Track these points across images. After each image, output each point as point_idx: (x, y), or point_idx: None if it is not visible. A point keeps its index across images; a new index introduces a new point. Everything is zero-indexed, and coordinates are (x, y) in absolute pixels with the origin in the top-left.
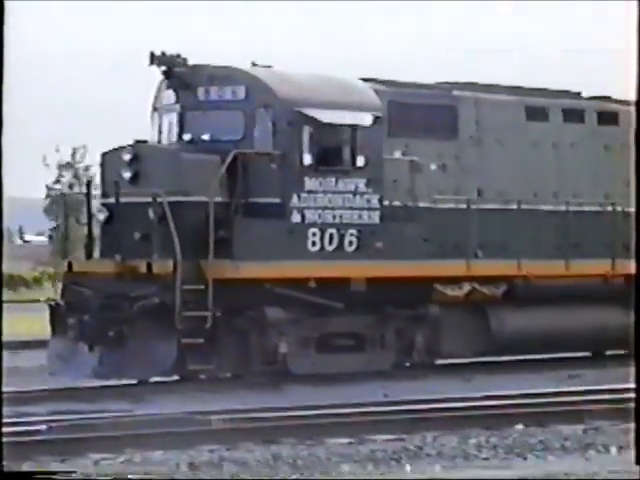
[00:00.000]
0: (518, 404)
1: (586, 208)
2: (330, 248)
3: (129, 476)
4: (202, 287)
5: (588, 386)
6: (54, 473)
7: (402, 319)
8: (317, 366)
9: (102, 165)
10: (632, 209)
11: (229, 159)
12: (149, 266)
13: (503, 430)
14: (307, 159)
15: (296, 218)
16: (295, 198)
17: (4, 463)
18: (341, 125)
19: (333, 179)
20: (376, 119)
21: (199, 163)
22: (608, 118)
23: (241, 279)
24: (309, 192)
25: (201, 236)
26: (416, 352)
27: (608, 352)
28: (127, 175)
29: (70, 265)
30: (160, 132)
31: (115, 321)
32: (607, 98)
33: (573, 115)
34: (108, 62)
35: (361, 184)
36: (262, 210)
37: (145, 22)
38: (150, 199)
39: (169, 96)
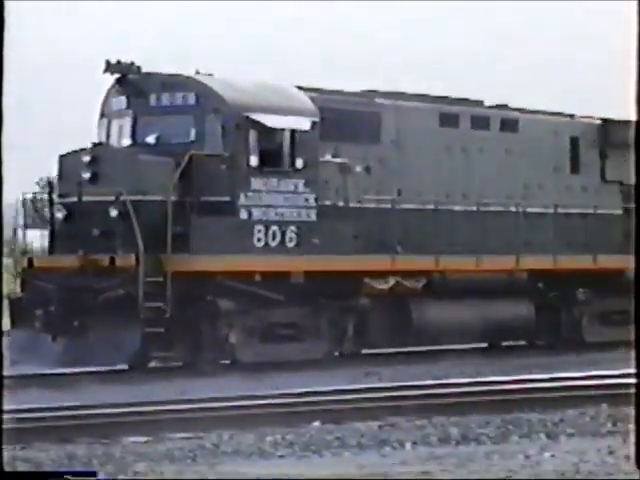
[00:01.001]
0: (314, 401)
1: (492, 208)
2: (273, 244)
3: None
4: (161, 279)
5: (384, 383)
6: (54, 473)
7: (335, 310)
8: (261, 355)
9: (60, 167)
10: (532, 209)
11: (185, 160)
12: (112, 260)
13: (300, 427)
14: (253, 161)
15: (244, 215)
16: (242, 197)
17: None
18: (283, 129)
19: (275, 179)
20: (313, 124)
21: (155, 164)
22: (509, 125)
23: (196, 272)
24: (255, 191)
25: (159, 232)
26: (346, 341)
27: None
28: (86, 176)
29: (30, 260)
30: (108, 136)
31: (80, 312)
32: (505, 106)
33: (480, 122)
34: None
35: (300, 184)
36: (214, 208)
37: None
38: (110, 198)
39: (120, 102)
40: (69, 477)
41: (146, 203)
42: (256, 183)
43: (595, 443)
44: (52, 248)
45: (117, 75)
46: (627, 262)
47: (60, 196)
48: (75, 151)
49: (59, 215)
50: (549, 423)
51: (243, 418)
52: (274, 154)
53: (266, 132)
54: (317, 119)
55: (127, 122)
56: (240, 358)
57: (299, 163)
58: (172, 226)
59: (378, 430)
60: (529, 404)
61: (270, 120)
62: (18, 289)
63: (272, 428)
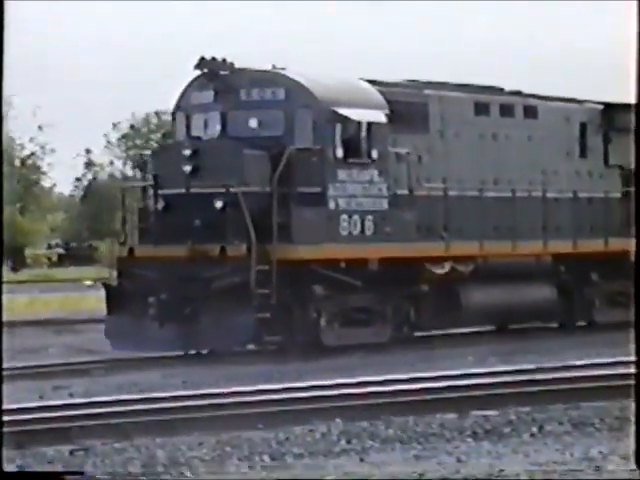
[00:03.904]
0: None
1: (520, 194)
2: (355, 232)
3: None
4: (267, 268)
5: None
6: (55, 473)
7: (401, 296)
8: (341, 339)
9: (157, 160)
10: (551, 194)
11: (286, 154)
12: (222, 249)
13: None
14: (339, 153)
15: (332, 205)
16: (331, 188)
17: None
18: (362, 122)
19: (356, 170)
20: (387, 116)
21: (256, 158)
22: (531, 112)
23: (296, 260)
24: (340, 182)
25: (262, 222)
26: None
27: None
28: (188, 168)
29: (131, 250)
30: (188, 129)
31: (191, 299)
32: (520, 93)
33: (506, 110)
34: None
35: (375, 174)
36: (308, 199)
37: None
38: (215, 190)
39: (206, 96)
40: (67, 477)
41: (250, 195)
42: (342, 174)
43: (327, 463)
44: (146, 239)
45: (200, 71)
46: (631, 245)
47: (158, 188)
48: (170, 145)
49: (158, 207)
50: (274, 442)
51: None
52: (353, 146)
53: (348, 125)
54: (388, 112)
55: (215, 116)
56: (325, 341)
57: (374, 154)
58: (276, 217)
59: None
60: (251, 421)
61: (355, 114)
62: (116, 278)
63: None
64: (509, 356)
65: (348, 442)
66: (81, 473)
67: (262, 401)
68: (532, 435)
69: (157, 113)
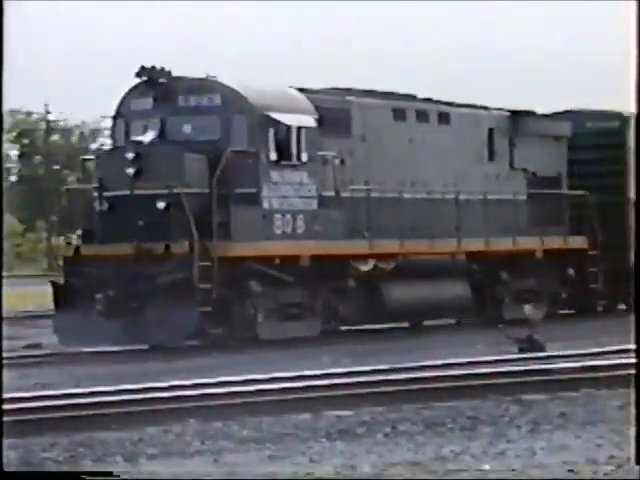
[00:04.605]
0: None
1: (436, 196)
2: (288, 230)
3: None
4: (209, 264)
5: None
6: (55, 473)
7: (329, 291)
8: (276, 333)
9: (100, 163)
10: (464, 196)
11: (224, 158)
12: (167, 247)
13: None
14: (272, 155)
15: (266, 205)
16: (265, 188)
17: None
18: (293, 126)
19: (287, 172)
20: (316, 121)
21: (196, 161)
22: (444, 118)
23: (235, 257)
24: (274, 183)
25: (202, 221)
26: (334, 320)
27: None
28: (131, 171)
29: (77, 249)
30: (128, 134)
31: (138, 295)
32: (432, 100)
33: (422, 116)
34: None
35: (304, 176)
36: (245, 199)
37: None
38: (158, 191)
39: (145, 103)
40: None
41: (191, 195)
42: (275, 176)
43: (181, 464)
44: (92, 238)
45: (139, 79)
46: (536, 244)
47: (103, 190)
48: (112, 149)
49: (103, 208)
50: (127, 443)
51: None
52: (285, 149)
53: (280, 129)
54: (317, 117)
55: (154, 122)
56: (261, 335)
57: (304, 157)
58: (215, 216)
59: None
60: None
61: (287, 118)
62: (62, 276)
63: None
64: (365, 356)
65: (202, 443)
66: (110, 474)
67: (120, 401)
68: (386, 435)
69: (11, 111)
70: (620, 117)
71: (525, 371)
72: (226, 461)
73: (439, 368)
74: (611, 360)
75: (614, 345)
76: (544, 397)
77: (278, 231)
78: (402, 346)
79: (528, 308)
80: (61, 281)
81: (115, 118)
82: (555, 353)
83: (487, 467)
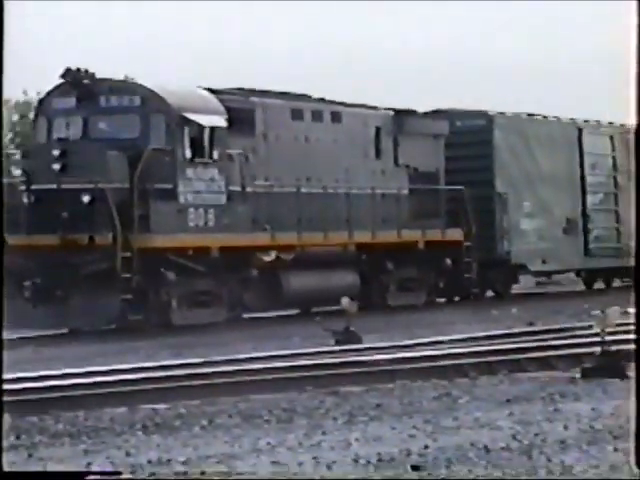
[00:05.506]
0: None
1: (329, 190)
2: (200, 224)
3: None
4: (129, 255)
5: None
6: (56, 473)
7: (235, 280)
8: (188, 319)
9: (28, 158)
10: (354, 191)
11: (146, 155)
12: (91, 239)
13: None
14: (187, 153)
15: (182, 200)
16: (181, 184)
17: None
18: (206, 126)
19: (200, 169)
20: (226, 121)
21: (118, 157)
22: (336, 117)
23: (153, 248)
24: (188, 179)
25: (124, 215)
26: (239, 307)
27: None
28: (57, 166)
29: (2, 239)
30: (50, 132)
31: (63, 282)
32: (323, 100)
33: (317, 115)
34: None
35: (215, 173)
36: (163, 194)
37: None
38: (83, 186)
39: (68, 102)
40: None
41: (114, 190)
42: (189, 172)
43: None
44: (18, 229)
45: (64, 80)
46: (418, 236)
47: (29, 183)
48: (40, 145)
49: (30, 201)
50: None
51: None
52: (198, 147)
53: (195, 129)
54: (227, 117)
55: (77, 120)
56: (174, 321)
57: (215, 155)
58: (136, 210)
59: None
60: None
61: (202, 119)
62: None
63: None
64: (179, 349)
65: (17, 438)
66: (119, 473)
67: None
68: (202, 428)
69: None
70: (486, 116)
71: (342, 363)
72: (40, 455)
73: (259, 360)
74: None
75: (429, 337)
76: (360, 389)
77: (192, 224)
78: (215, 340)
79: (345, 300)
80: None
81: (37, 116)
82: (371, 345)
83: None
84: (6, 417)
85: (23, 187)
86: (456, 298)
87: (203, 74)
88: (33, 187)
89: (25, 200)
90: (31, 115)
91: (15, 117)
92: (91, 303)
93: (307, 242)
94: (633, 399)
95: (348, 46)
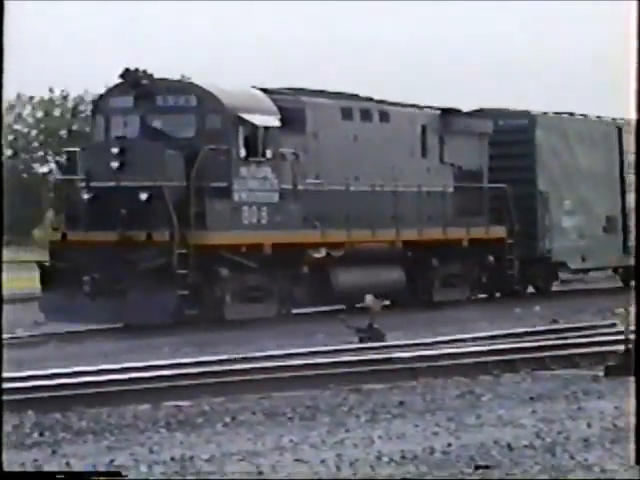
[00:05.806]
0: None
1: (378, 189)
2: (254, 221)
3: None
4: (186, 251)
5: None
6: (56, 473)
7: (286, 276)
8: (242, 314)
9: (86, 156)
10: (401, 189)
11: (202, 154)
12: (149, 235)
13: None
14: (242, 152)
15: (236, 198)
16: (235, 183)
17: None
18: (261, 126)
19: (254, 168)
20: (280, 121)
21: (176, 156)
22: (384, 116)
23: (209, 245)
24: (242, 178)
25: (181, 212)
26: (290, 303)
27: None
28: (115, 165)
29: (64, 235)
30: (107, 130)
31: (121, 278)
32: (371, 99)
33: (366, 115)
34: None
35: (268, 171)
36: (218, 192)
37: None
38: (141, 184)
39: (126, 101)
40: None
41: (171, 188)
42: (243, 171)
43: (19, 456)
44: (77, 226)
45: (123, 79)
46: (463, 233)
47: (89, 181)
48: (99, 143)
49: (89, 198)
50: None
51: None
52: (252, 147)
53: (248, 128)
54: (279, 117)
55: (134, 119)
56: (227, 316)
57: (269, 154)
58: (192, 207)
59: None
60: None
61: (255, 119)
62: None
63: None
64: (203, 346)
65: (41, 435)
66: (119, 473)
67: None
68: (225, 425)
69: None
70: (529, 115)
71: (364, 361)
72: (64, 452)
73: (280, 358)
74: (448, 349)
75: (452, 335)
76: (383, 386)
77: (245, 221)
78: (235, 336)
79: (369, 298)
80: (48, 264)
81: (94, 114)
82: (395, 343)
83: None
84: (29, 414)
85: (82, 184)
86: (497, 294)
87: (207, 73)
88: (92, 184)
89: (84, 197)
90: (56, 112)
91: (40, 114)
92: (148, 298)
93: (356, 239)
94: (633, 399)
95: (354, 43)
